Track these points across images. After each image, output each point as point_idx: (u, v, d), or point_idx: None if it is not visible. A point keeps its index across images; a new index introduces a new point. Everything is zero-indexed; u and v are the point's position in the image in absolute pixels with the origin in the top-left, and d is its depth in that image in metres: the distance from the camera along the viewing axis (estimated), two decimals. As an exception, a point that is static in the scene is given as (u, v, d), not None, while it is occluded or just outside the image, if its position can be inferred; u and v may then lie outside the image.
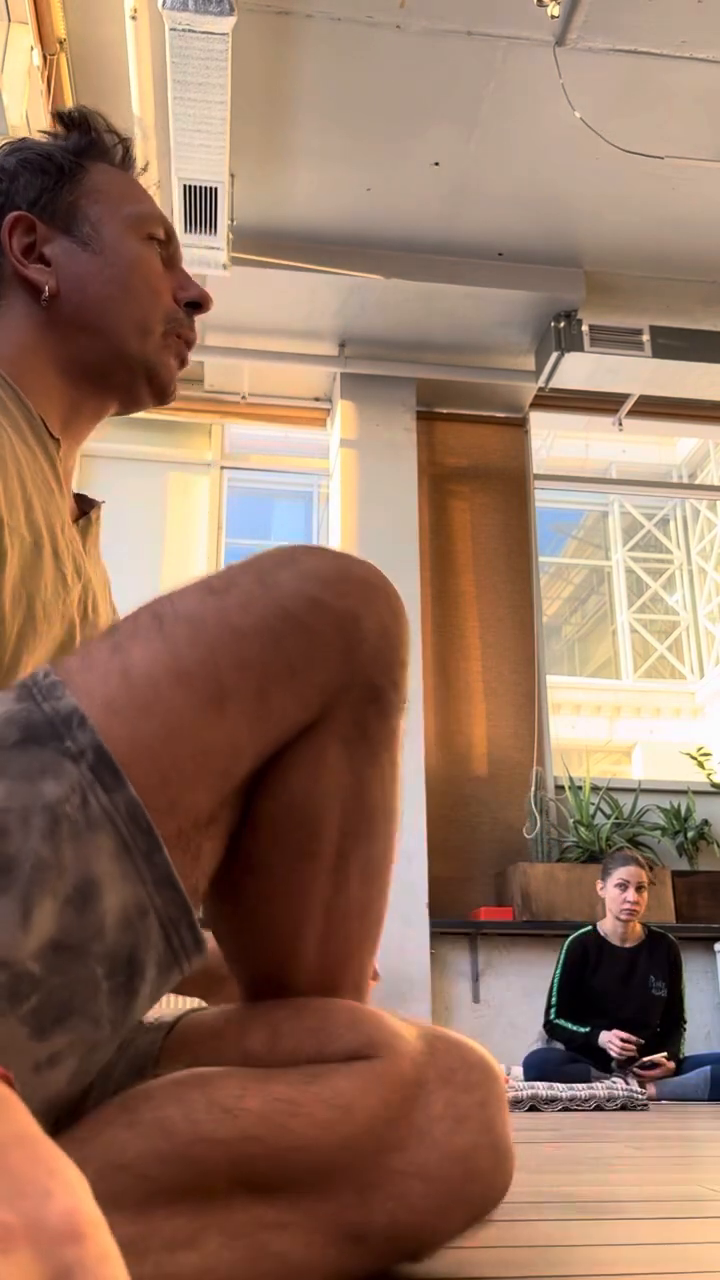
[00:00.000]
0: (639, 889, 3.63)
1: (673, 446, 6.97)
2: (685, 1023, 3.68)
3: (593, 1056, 3.44)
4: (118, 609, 0.95)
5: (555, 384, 4.79)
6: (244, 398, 5.19)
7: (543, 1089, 2.97)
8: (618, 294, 4.79)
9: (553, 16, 3.31)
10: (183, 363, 0.94)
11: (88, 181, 0.92)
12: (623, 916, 3.64)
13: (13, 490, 0.75)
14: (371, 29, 3.54)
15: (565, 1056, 3.45)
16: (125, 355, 0.89)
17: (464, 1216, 0.67)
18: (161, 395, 0.93)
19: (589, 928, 3.76)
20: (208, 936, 0.67)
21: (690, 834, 4.64)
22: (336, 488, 4.96)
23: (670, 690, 7.82)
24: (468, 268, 4.62)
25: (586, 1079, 3.24)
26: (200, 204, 3.83)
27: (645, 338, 4.58)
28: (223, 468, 5.35)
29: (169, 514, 5.22)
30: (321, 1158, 0.61)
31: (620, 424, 5.18)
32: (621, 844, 4.38)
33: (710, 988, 4.36)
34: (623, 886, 3.64)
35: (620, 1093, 3.00)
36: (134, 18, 3.25)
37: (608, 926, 3.72)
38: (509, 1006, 4.24)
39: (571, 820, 4.61)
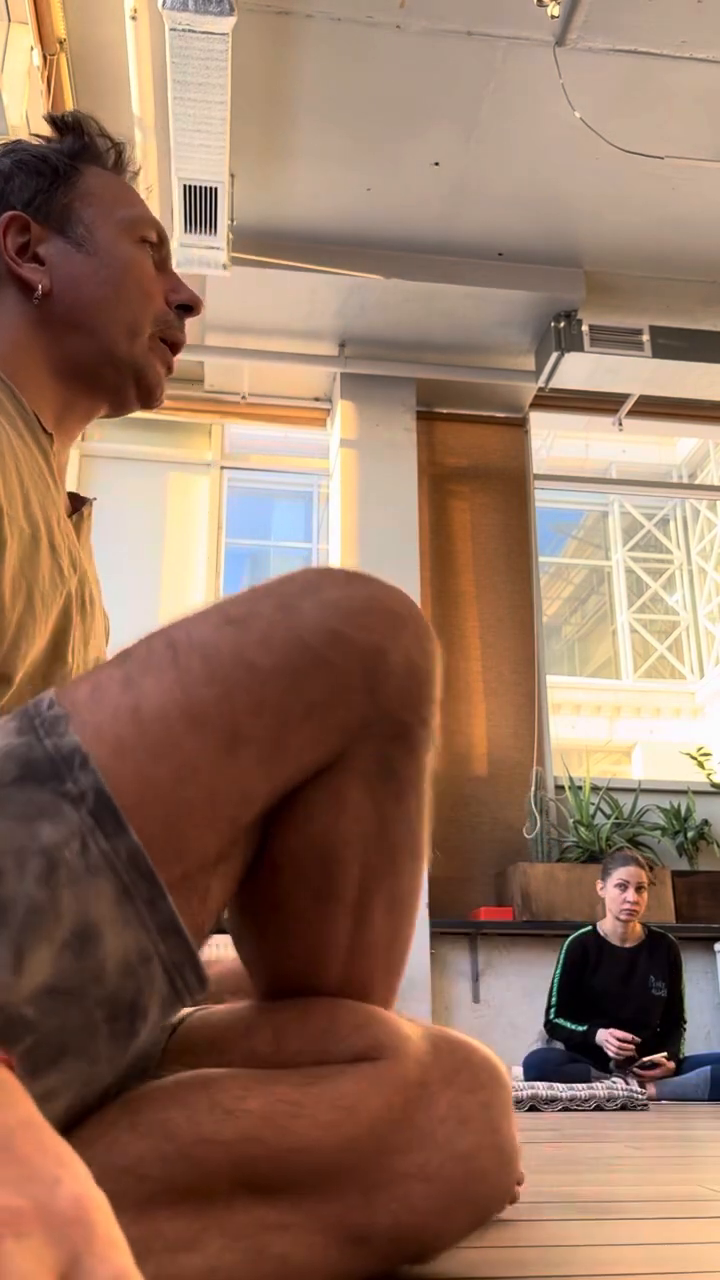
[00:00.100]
0: (639, 889, 3.63)
1: (673, 446, 6.97)
2: (685, 1023, 3.68)
3: (592, 1055, 3.44)
4: (108, 614, 0.96)
5: (555, 384, 4.79)
6: (244, 398, 5.19)
7: (543, 1089, 2.97)
8: (618, 294, 4.79)
9: (553, 16, 3.31)
10: (169, 368, 0.95)
11: (82, 184, 0.93)
12: (623, 917, 3.64)
13: (11, 482, 0.75)
14: (371, 29, 3.54)
15: (565, 1056, 3.45)
16: (115, 356, 0.90)
17: (467, 1218, 0.67)
18: (148, 398, 0.94)
19: (589, 928, 3.76)
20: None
21: (690, 834, 4.64)
22: (336, 488, 4.97)
23: (670, 690, 7.83)
24: (468, 268, 4.62)
25: (586, 1079, 3.24)
26: (200, 204, 3.83)
27: (645, 338, 4.58)
28: (223, 468, 5.35)
29: (169, 514, 5.22)
30: (324, 1159, 0.61)
31: (620, 424, 5.18)
32: (621, 844, 4.38)
33: (710, 988, 4.36)
34: (623, 887, 3.64)
35: (620, 1093, 3.00)
36: (134, 18, 3.26)
37: (608, 926, 3.72)
38: (509, 1006, 4.24)
39: (571, 820, 4.61)
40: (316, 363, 5.00)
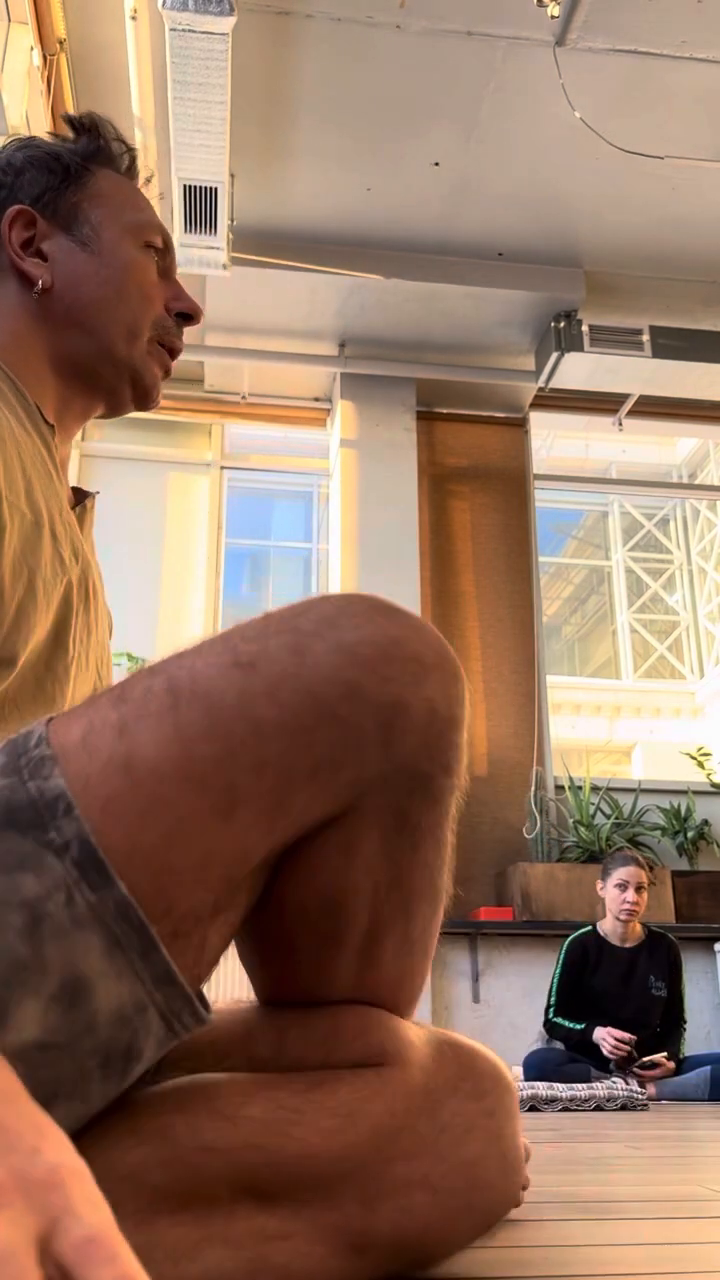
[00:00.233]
0: (639, 889, 3.63)
1: (673, 446, 6.97)
2: (685, 1023, 3.68)
3: (592, 1055, 3.44)
4: (110, 611, 0.97)
5: (555, 384, 4.79)
6: (244, 398, 5.19)
7: (543, 1089, 2.97)
8: (618, 294, 4.79)
9: (553, 17, 3.31)
10: (166, 372, 0.96)
11: (92, 185, 0.93)
12: (622, 917, 3.64)
13: (13, 469, 0.75)
14: (371, 29, 3.54)
15: (565, 1056, 3.45)
16: (112, 356, 0.91)
17: (470, 1227, 0.66)
18: (144, 400, 0.95)
19: (589, 928, 3.76)
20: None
21: (690, 834, 4.64)
22: (336, 488, 4.97)
23: (670, 690, 7.82)
24: (467, 268, 4.62)
25: (586, 1079, 3.24)
26: (200, 204, 3.83)
27: (645, 338, 4.58)
28: (223, 468, 5.35)
29: (169, 514, 5.22)
30: (324, 1166, 0.60)
31: (620, 424, 5.18)
32: (621, 844, 4.38)
33: (710, 988, 4.36)
34: (622, 887, 3.64)
35: (620, 1093, 3.00)
36: (134, 18, 3.26)
37: (607, 926, 3.72)
38: (509, 1006, 4.24)
39: (571, 820, 4.61)
40: (316, 363, 5.00)
